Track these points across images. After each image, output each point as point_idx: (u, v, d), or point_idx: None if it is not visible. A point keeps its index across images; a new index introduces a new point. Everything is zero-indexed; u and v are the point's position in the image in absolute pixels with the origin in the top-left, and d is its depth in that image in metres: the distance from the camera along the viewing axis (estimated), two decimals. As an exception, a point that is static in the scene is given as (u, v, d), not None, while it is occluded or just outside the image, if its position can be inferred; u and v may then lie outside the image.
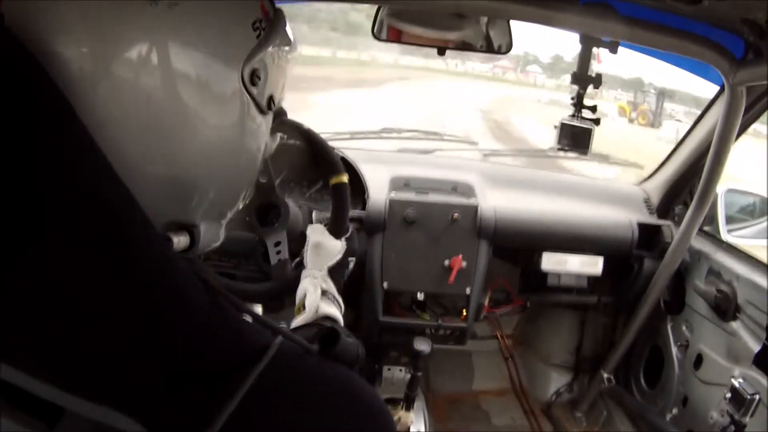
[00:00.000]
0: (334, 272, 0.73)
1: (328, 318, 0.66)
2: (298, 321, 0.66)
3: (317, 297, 0.67)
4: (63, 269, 0.27)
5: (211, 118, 0.35)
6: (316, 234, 0.75)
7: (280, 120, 0.45)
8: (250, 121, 0.39)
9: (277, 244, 0.82)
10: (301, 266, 0.75)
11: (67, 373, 0.29)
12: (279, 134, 0.50)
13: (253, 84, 0.37)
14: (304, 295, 0.68)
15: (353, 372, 0.41)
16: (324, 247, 0.73)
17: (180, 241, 0.38)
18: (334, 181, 0.81)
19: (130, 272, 0.29)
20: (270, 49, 0.38)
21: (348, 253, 0.77)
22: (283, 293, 0.78)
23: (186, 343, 0.30)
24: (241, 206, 0.45)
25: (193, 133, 0.35)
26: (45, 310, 0.27)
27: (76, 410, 0.30)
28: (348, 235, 0.79)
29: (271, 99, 0.40)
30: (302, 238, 0.86)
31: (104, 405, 0.29)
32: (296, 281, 0.72)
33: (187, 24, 0.33)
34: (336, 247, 0.75)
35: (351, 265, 0.80)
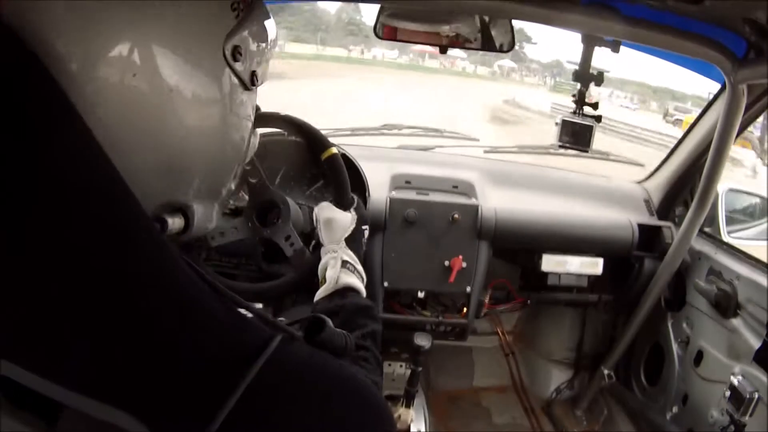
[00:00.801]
0: (352, 242, 0.75)
1: (349, 288, 0.67)
2: (320, 293, 0.67)
3: (338, 269, 0.69)
4: (63, 269, 0.28)
5: (198, 94, 0.37)
6: (325, 211, 0.76)
7: (256, 114, 0.47)
8: (236, 96, 0.41)
9: (287, 237, 0.83)
10: (318, 249, 0.76)
11: (67, 371, 0.29)
12: (258, 130, 0.52)
13: (236, 60, 0.39)
14: (326, 269, 0.69)
15: (355, 366, 0.41)
16: (335, 220, 0.75)
17: (174, 222, 0.39)
18: (325, 155, 0.82)
19: (129, 271, 0.29)
20: (250, 27, 0.41)
21: (360, 221, 0.78)
22: (309, 279, 0.78)
23: (184, 339, 0.31)
24: (233, 186, 0.46)
25: (181, 111, 0.36)
26: (45, 309, 0.28)
27: (77, 408, 0.30)
28: (355, 205, 0.80)
29: (254, 75, 0.42)
30: (305, 238, 0.86)
31: (105, 402, 0.29)
32: (317, 265, 0.73)
33: (169, 9, 0.35)
34: (347, 218, 0.76)
35: (366, 233, 0.80)
